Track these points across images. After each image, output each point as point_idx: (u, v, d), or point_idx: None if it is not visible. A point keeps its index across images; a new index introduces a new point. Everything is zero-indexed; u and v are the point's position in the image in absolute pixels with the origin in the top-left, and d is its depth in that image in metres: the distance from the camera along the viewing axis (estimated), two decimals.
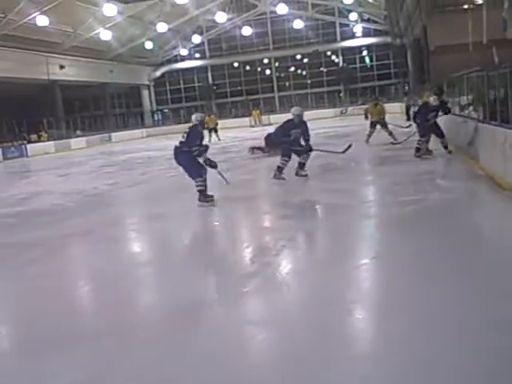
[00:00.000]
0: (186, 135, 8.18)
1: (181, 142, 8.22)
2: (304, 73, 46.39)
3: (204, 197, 8.16)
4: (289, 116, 9.90)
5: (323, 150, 10.60)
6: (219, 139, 23.99)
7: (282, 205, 8.00)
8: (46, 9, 27.40)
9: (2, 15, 27.13)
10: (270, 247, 5.69)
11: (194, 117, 8.51)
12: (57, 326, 3.98)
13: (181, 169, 8.38)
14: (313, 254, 5.68)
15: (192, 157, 8.11)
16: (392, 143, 14.73)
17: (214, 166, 8.39)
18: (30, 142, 29.81)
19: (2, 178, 19.13)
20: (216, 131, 24.42)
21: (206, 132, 24.50)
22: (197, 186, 8.20)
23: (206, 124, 25.14)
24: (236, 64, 46.66)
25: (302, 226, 6.73)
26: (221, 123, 26.47)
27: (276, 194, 8.62)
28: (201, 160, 8.17)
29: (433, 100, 10.92)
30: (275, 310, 4.00)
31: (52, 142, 30.75)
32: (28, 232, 7.69)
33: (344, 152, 10.51)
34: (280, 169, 9.80)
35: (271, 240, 6.04)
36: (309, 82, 46.10)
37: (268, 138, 14.33)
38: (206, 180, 8.19)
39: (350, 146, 10.56)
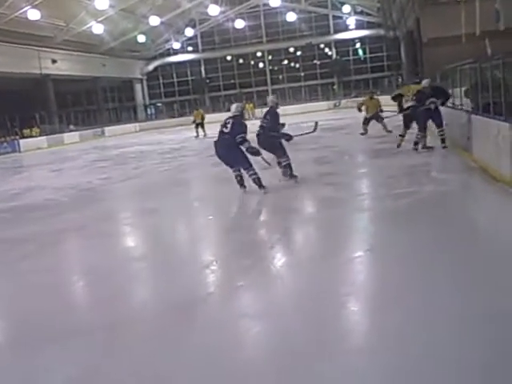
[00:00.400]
0: (229, 126, 8.00)
1: (223, 133, 8.06)
2: (297, 66, 46.32)
3: (260, 183, 8.09)
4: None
5: (296, 135, 10.00)
6: (205, 134, 23.32)
7: (275, 198, 7.99)
8: (37, 2, 27.17)
9: None
10: (265, 240, 5.69)
11: (234, 107, 8.32)
12: (50, 322, 3.96)
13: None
14: (307, 247, 5.67)
15: (234, 146, 7.93)
16: (386, 130, 14.96)
17: (256, 153, 8.18)
18: (22, 137, 29.63)
19: None
20: (202, 126, 23.90)
21: (192, 127, 24.50)
22: (250, 176, 8.09)
23: (194, 118, 24.86)
24: (229, 57, 46.51)
25: (296, 220, 6.73)
26: (214, 116, 26.16)
27: (269, 188, 8.60)
28: (243, 147, 7.98)
29: (425, 82, 10.83)
30: (270, 304, 4.00)
31: (45, 137, 30.54)
32: (21, 227, 7.65)
33: (314, 131, 10.52)
34: (290, 167, 8.88)
35: (266, 233, 6.04)
36: (302, 74, 46.05)
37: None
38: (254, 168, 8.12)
39: (316, 124, 10.61)
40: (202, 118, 24.21)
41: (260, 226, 6.62)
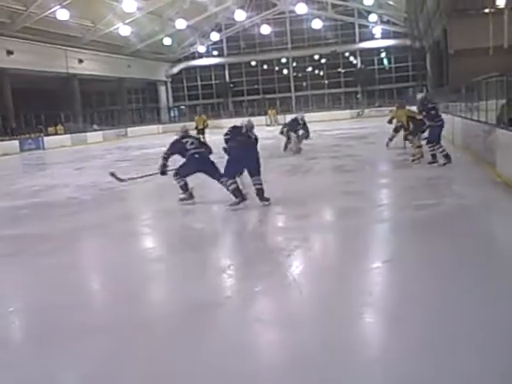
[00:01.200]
0: (253, 136, 8.08)
1: (249, 138, 8.04)
2: (321, 73, 46.34)
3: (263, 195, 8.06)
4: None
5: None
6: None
7: (295, 206, 7.97)
8: (66, 3, 27.59)
9: (24, 8, 27.38)
10: (283, 247, 5.67)
11: (251, 124, 8.28)
12: (68, 318, 4.00)
13: None
14: (325, 256, 5.65)
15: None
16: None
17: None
18: (47, 134, 30.02)
19: (19, 169, 19.30)
20: (203, 132, 23.05)
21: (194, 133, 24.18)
22: (255, 185, 8.02)
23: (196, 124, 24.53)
24: (253, 62, 46.72)
25: (315, 228, 6.71)
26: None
27: (289, 195, 8.59)
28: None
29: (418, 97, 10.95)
30: (286, 311, 4.00)
31: (68, 136, 30.94)
32: (42, 224, 7.75)
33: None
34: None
35: (284, 240, 6.02)
36: (326, 82, 46.05)
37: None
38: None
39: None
40: (204, 125, 23.72)
41: (278, 234, 6.61)
